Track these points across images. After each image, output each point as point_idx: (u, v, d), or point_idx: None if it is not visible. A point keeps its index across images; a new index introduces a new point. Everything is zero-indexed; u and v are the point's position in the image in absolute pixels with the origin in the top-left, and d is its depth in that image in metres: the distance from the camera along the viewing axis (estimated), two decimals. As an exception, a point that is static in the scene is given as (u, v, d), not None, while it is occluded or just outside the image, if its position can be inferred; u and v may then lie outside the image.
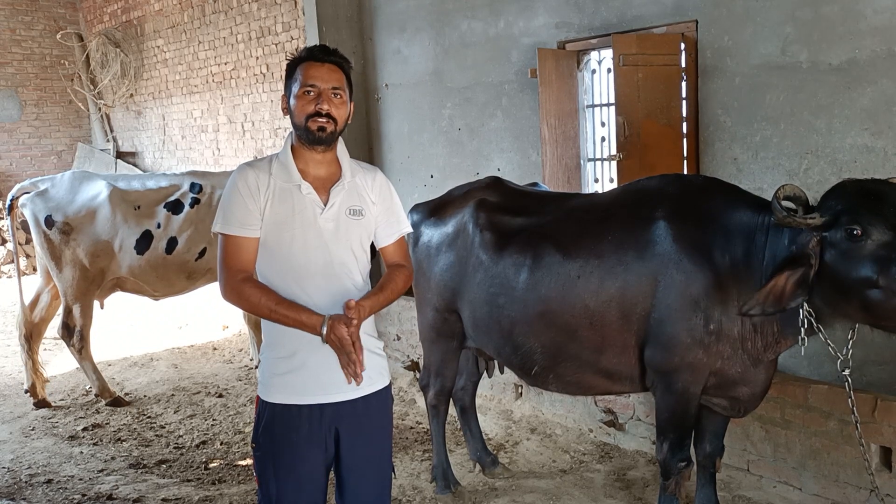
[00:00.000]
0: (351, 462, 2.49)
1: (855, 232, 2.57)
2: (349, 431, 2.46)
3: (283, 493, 2.44)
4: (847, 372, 2.81)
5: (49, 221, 5.63)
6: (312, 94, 2.38)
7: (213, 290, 7.05)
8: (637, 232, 3.15)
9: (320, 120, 2.37)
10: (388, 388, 2.58)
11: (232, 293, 2.38)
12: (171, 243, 5.79)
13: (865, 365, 4.02)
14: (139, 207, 5.79)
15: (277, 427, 2.42)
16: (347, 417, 2.44)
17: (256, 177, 2.41)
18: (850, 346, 2.82)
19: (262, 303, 2.34)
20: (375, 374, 2.51)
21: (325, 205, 2.42)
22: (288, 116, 2.46)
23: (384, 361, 2.58)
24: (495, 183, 3.85)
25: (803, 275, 2.71)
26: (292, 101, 2.41)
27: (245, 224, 2.38)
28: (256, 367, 6.28)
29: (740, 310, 2.86)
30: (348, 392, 2.43)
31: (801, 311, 2.77)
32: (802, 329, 2.79)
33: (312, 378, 2.40)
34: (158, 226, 5.79)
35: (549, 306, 3.30)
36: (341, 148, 2.52)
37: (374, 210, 2.53)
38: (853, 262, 2.59)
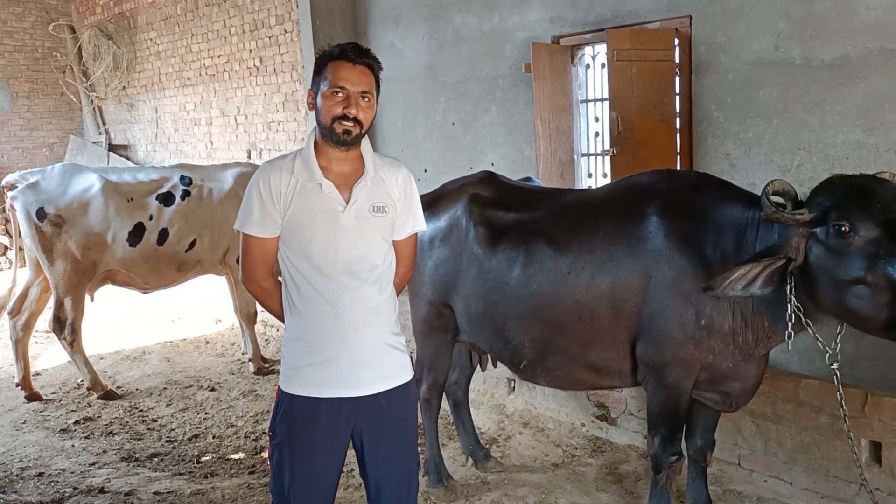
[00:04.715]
0: (375, 457, 2.51)
1: (843, 228, 2.55)
2: (371, 427, 2.47)
3: (297, 483, 2.45)
4: (836, 366, 2.81)
5: (41, 214, 5.61)
6: (341, 95, 2.36)
7: (205, 283, 7.04)
8: (629, 228, 3.15)
9: (346, 123, 2.35)
10: (410, 383, 2.58)
11: (247, 288, 2.58)
12: (163, 234, 5.81)
13: (856, 360, 4.04)
14: (131, 199, 5.80)
15: (296, 418, 2.44)
16: (369, 413, 2.46)
17: (279, 178, 2.41)
18: (838, 341, 2.82)
19: (267, 307, 2.61)
20: (397, 370, 2.53)
21: (347, 202, 2.42)
22: (313, 112, 2.44)
23: (406, 357, 2.58)
24: (489, 177, 3.84)
25: (780, 268, 2.71)
26: (319, 100, 2.40)
27: (262, 225, 2.42)
28: (249, 360, 6.30)
29: (704, 286, 2.83)
30: (369, 387, 2.45)
31: (788, 305, 2.77)
32: (790, 324, 2.78)
33: (336, 373, 2.42)
34: (151, 217, 5.80)
35: (540, 301, 3.31)
36: (365, 143, 2.50)
37: (397, 207, 2.54)
38: (841, 259, 2.58)
